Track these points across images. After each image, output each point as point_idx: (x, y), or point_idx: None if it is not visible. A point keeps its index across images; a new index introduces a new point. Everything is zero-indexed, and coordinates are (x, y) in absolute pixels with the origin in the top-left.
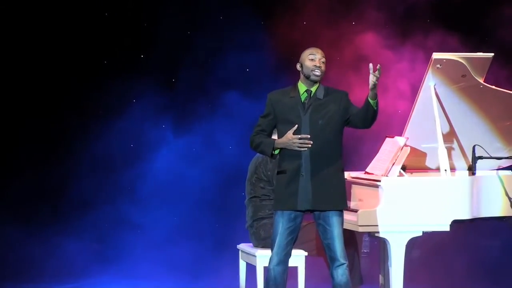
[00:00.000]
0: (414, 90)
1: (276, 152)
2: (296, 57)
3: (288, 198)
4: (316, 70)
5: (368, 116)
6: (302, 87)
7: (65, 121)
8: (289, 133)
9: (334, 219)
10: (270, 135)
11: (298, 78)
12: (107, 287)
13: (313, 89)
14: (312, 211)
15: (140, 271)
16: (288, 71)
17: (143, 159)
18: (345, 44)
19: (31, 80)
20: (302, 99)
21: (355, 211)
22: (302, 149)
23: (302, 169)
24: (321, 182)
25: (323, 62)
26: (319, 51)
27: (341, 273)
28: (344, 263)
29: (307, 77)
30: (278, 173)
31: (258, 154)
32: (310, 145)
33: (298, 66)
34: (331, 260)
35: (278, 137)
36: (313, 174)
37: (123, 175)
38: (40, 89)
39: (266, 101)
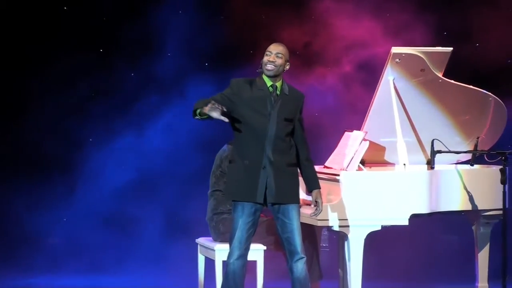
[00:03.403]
0: (374, 84)
1: (197, 115)
2: (259, 52)
3: (248, 189)
4: (268, 65)
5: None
6: (267, 81)
7: (28, 116)
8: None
9: (293, 213)
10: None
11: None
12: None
13: (278, 84)
14: (272, 204)
15: (102, 267)
16: (250, 65)
17: (100, 151)
18: (306, 39)
19: None
20: (270, 92)
21: None
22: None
23: (264, 161)
24: (282, 176)
25: (278, 56)
26: (276, 46)
27: (301, 267)
28: (304, 257)
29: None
30: (233, 162)
31: (224, 147)
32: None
33: (261, 61)
34: (290, 254)
35: (238, 125)
36: (274, 168)
37: (79, 166)
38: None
39: (230, 85)
